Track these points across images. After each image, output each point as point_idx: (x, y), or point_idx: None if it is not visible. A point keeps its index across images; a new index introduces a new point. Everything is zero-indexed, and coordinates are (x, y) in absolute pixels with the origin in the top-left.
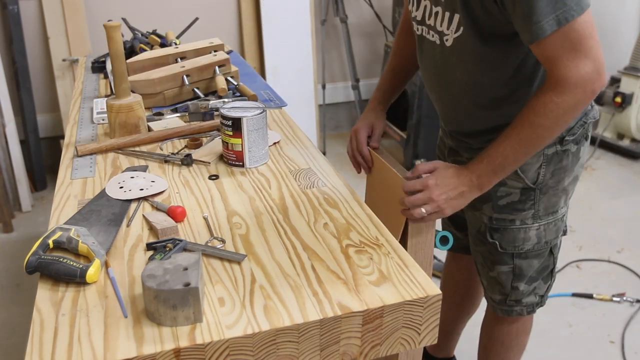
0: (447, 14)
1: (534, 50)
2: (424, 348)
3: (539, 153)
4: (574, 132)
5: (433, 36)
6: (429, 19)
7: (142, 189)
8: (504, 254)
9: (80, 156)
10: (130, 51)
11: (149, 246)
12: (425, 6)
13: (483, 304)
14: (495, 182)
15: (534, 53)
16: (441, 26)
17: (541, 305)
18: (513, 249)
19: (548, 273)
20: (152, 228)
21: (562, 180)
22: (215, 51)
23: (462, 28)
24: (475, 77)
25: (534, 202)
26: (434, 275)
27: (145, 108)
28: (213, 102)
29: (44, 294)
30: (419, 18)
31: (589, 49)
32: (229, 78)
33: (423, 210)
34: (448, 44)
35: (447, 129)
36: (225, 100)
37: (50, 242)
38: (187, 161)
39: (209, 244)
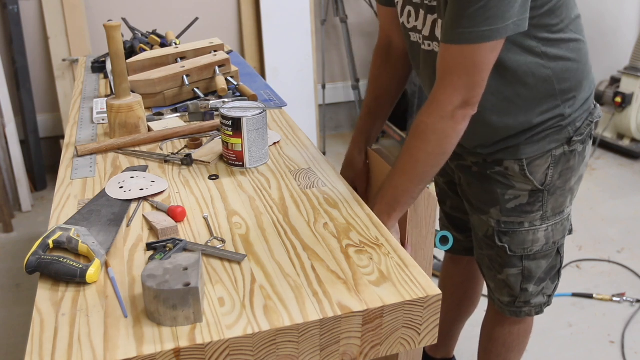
0: (440, 22)
1: (441, 51)
2: (423, 349)
3: (547, 154)
4: (581, 132)
5: (430, 45)
6: (425, 28)
7: (142, 189)
8: (513, 256)
9: (80, 156)
10: (130, 51)
11: (149, 246)
12: (425, 16)
13: (482, 303)
14: (399, 215)
15: (439, 54)
16: (438, 35)
17: (548, 305)
18: (522, 252)
19: (555, 273)
20: (152, 228)
21: (569, 180)
22: (215, 51)
23: None
24: None
25: (542, 204)
26: (433, 275)
27: (145, 108)
28: (213, 102)
29: (44, 294)
30: (420, 27)
31: (473, 83)
32: (229, 78)
33: None
34: None
35: None
36: (225, 100)
37: (50, 242)
38: (187, 161)
39: (209, 244)
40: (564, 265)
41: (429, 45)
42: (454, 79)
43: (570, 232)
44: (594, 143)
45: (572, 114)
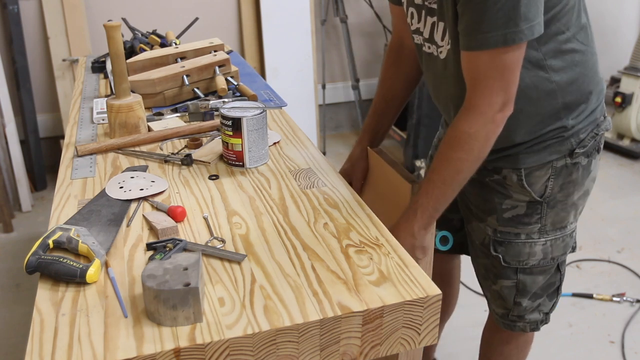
0: (441, 25)
1: (465, 59)
2: None
3: (547, 165)
4: (584, 144)
5: (430, 48)
6: (425, 31)
7: (142, 189)
8: (508, 268)
9: (80, 156)
10: (130, 51)
11: (149, 246)
12: (426, 18)
13: (482, 303)
14: (436, 218)
15: (462, 62)
16: (435, 37)
17: (545, 323)
18: (517, 264)
19: (554, 290)
20: (152, 228)
21: (572, 195)
22: (215, 51)
23: (450, 41)
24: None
25: (540, 217)
26: None
27: (145, 108)
28: (213, 102)
29: (44, 294)
30: (422, 29)
31: (508, 83)
32: (229, 78)
33: None
34: (442, 56)
35: None
36: (225, 100)
37: (50, 242)
38: (187, 161)
39: (209, 244)
40: None
41: (429, 48)
42: (490, 83)
43: (574, 249)
44: None
45: (576, 125)
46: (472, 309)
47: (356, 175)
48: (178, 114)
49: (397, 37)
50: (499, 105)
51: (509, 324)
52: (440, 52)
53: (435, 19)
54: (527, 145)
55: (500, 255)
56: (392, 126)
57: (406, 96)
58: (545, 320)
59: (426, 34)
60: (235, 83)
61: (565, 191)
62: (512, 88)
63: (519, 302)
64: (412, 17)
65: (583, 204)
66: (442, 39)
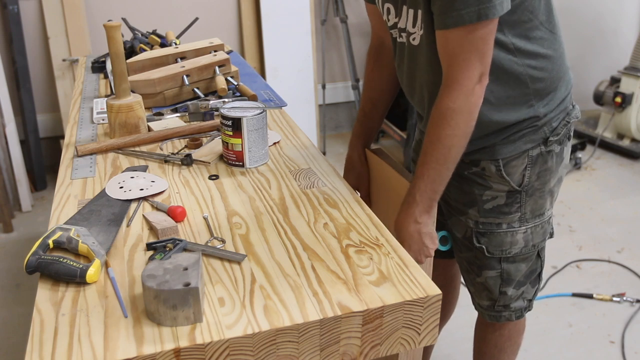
0: (412, 12)
1: (441, 38)
2: None
3: (524, 155)
4: (557, 132)
5: (404, 37)
6: (400, 21)
7: (142, 189)
8: (492, 258)
9: (80, 156)
10: (130, 51)
11: (149, 246)
12: (406, 10)
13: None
14: (437, 201)
15: (438, 42)
16: (406, 25)
17: (529, 310)
18: (500, 253)
19: (536, 277)
20: (152, 228)
21: (548, 182)
22: (215, 51)
23: (423, 25)
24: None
25: (520, 205)
26: None
27: (145, 108)
28: (213, 102)
29: (44, 294)
30: (398, 23)
31: (483, 54)
32: (229, 78)
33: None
34: (415, 43)
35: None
36: (225, 100)
37: (50, 242)
38: (187, 161)
39: (209, 244)
40: (564, 265)
41: (404, 37)
42: (467, 57)
43: (552, 235)
44: (592, 143)
45: (548, 114)
46: (470, 309)
47: (363, 184)
48: (178, 114)
49: (376, 36)
50: (476, 77)
51: (494, 315)
52: (413, 39)
53: (405, 7)
54: (502, 135)
55: (483, 246)
56: (381, 125)
57: (392, 95)
58: (528, 307)
59: (402, 25)
60: (235, 83)
61: (541, 179)
62: (487, 58)
63: (504, 291)
64: (388, 13)
65: (558, 191)
66: (414, 26)
